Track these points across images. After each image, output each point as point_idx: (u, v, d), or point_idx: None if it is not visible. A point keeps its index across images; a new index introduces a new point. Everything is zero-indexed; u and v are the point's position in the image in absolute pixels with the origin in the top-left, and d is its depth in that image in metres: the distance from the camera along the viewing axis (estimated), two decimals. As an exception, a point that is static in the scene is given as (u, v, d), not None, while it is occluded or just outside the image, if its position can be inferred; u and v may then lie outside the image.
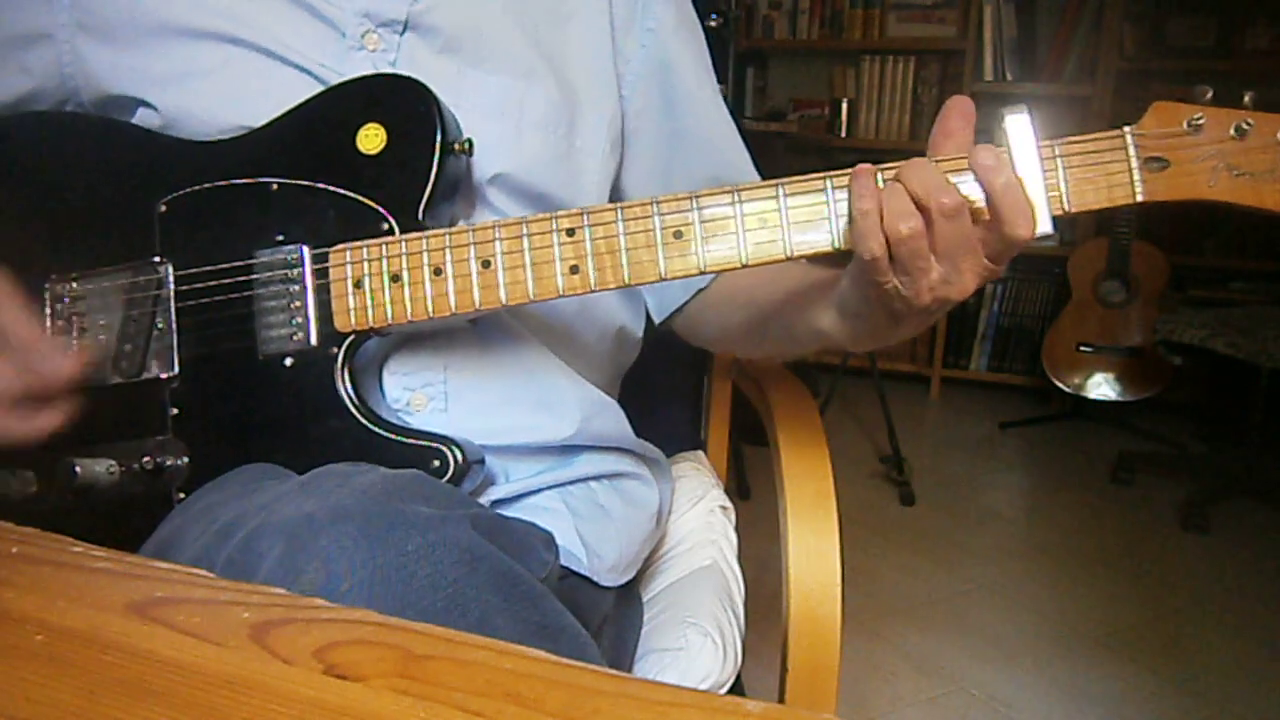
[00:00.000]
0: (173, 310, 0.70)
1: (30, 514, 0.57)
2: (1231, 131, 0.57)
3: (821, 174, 0.61)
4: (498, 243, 0.65)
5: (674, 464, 1.07)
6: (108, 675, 0.36)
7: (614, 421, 0.82)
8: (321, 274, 0.68)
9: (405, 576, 0.48)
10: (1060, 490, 2.73)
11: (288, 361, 0.68)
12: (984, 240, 0.57)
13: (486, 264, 0.65)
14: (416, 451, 0.66)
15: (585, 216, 0.64)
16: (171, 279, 0.70)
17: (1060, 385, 3.05)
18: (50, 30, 0.75)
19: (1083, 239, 3.19)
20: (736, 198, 0.62)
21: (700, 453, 1.16)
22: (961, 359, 3.53)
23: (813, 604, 0.77)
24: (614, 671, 0.36)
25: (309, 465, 0.61)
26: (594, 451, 0.80)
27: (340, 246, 0.68)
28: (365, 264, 0.67)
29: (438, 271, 0.65)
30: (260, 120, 0.71)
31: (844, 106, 3.54)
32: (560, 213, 0.64)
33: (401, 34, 0.74)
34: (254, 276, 0.69)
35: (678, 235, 0.62)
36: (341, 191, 0.69)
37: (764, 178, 0.63)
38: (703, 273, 0.63)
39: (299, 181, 0.70)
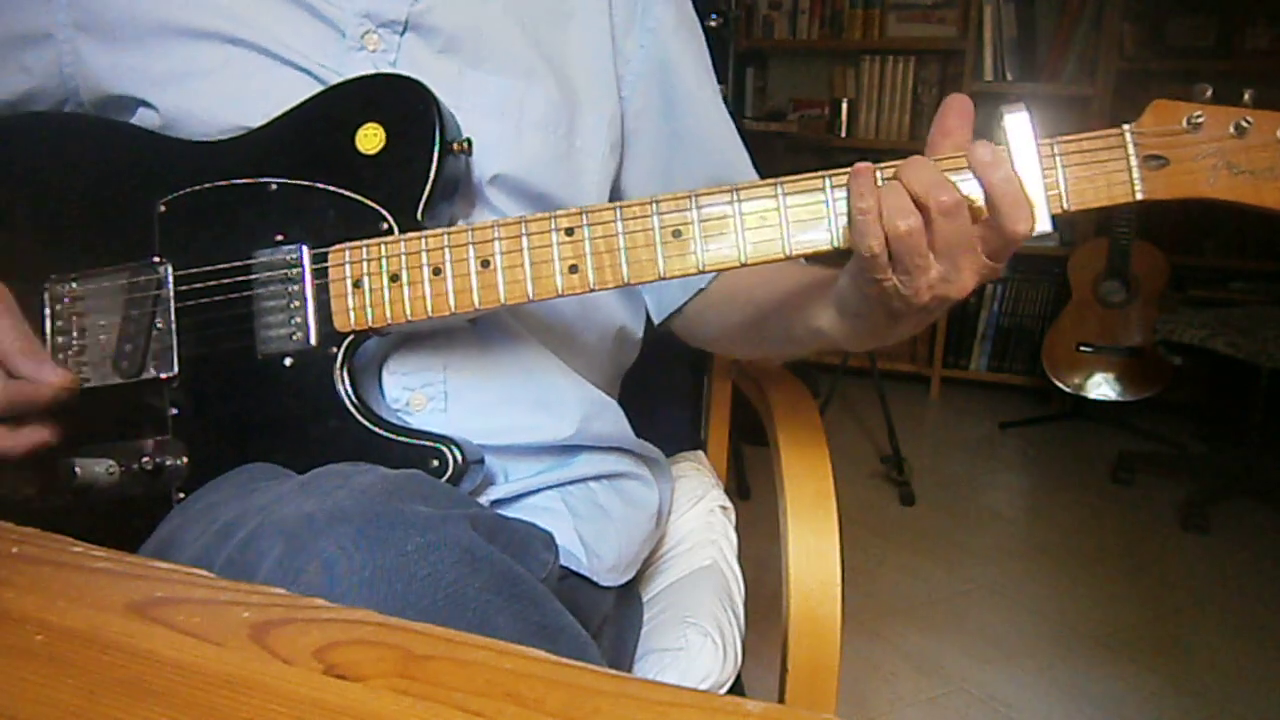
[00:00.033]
0: (172, 310, 0.70)
1: (30, 514, 0.57)
2: (1231, 129, 0.57)
3: (820, 173, 0.61)
4: (497, 242, 0.65)
5: (674, 464, 1.07)
6: (108, 675, 0.36)
7: (613, 421, 0.82)
8: (321, 274, 0.68)
9: (405, 576, 0.48)
10: (1060, 490, 2.73)
11: (287, 361, 0.68)
12: (983, 238, 0.57)
13: (486, 264, 0.65)
14: (416, 451, 0.66)
15: (584, 216, 0.64)
16: (171, 279, 0.70)
17: (1060, 385, 3.05)
18: (50, 30, 0.75)
19: (1083, 239, 3.19)
20: (735, 197, 0.61)
21: (700, 453, 1.16)
22: (961, 359, 3.53)
23: (813, 604, 0.77)
24: (614, 671, 0.36)
25: (308, 465, 0.61)
26: (593, 451, 0.80)
27: (339, 246, 0.68)
28: (364, 264, 0.67)
29: (437, 271, 0.65)
30: (260, 120, 0.71)
31: (844, 106, 3.54)
32: (559, 212, 0.64)
33: (402, 34, 0.74)
34: (253, 276, 0.69)
35: (677, 234, 0.62)
36: (341, 191, 0.69)
37: (763, 178, 0.63)
38: (702, 272, 0.63)
39: (298, 181, 0.70)
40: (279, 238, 0.69)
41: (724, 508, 1.02)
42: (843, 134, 3.54)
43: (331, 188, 0.69)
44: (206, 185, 0.71)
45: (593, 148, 0.81)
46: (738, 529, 1.01)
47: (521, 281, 0.64)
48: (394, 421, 0.69)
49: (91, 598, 0.42)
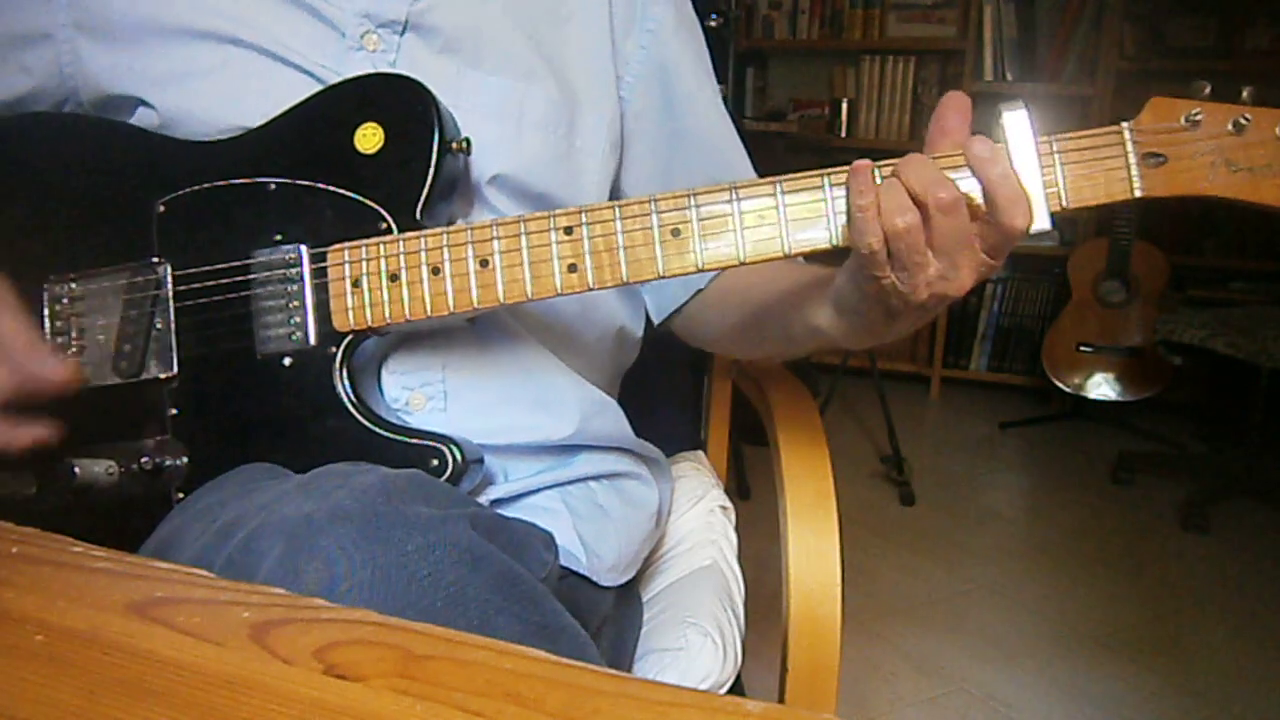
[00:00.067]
0: (171, 310, 0.70)
1: (30, 514, 0.57)
2: (1229, 126, 0.57)
3: (819, 171, 0.61)
4: (495, 241, 0.65)
5: (674, 464, 1.07)
6: (108, 675, 0.36)
7: (613, 421, 0.82)
8: (320, 274, 0.68)
9: (405, 576, 0.48)
10: (1060, 490, 2.73)
11: (286, 361, 0.68)
12: (981, 234, 0.57)
13: (484, 263, 0.65)
14: (415, 450, 0.66)
15: (583, 215, 0.64)
16: (170, 279, 0.70)
17: (1060, 385, 3.05)
18: (50, 30, 0.75)
19: (1083, 239, 3.19)
20: (734, 195, 0.61)
21: (700, 453, 1.16)
22: (961, 359, 3.53)
23: (813, 604, 0.77)
24: (614, 671, 0.36)
25: (308, 465, 0.61)
26: (593, 451, 0.80)
27: (338, 246, 0.68)
28: (363, 263, 0.67)
29: (436, 271, 0.65)
30: (259, 120, 0.71)
31: (844, 106, 3.54)
32: (558, 211, 0.64)
33: (401, 34, 0.74)
34: (252, 276, 0.69)
35: (676, 233, 0.62)
36: (339, 191, 0.69)
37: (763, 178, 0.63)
38: (701, 270, 0.63)
39: (297, 181, 0.70)
40: (278, 237, 0.69)
41: (724, 508, 1.02)
42: (843, 134, 3.55)
43: (330, 187, 0.69)
44: (205, 185, 0.71)
45: (592, 148, 0.81)
46: (738, 529, 1.01)
47: (520, 281, 0.64)
48: (393, 421, 0.69)
49: (91, 598, 0.42)
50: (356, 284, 0.67)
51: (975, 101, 0.59)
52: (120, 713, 0.34)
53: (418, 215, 0.68)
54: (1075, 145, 0.58)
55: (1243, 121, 0.57)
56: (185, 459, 0.69)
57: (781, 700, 0.77)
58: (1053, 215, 0.57)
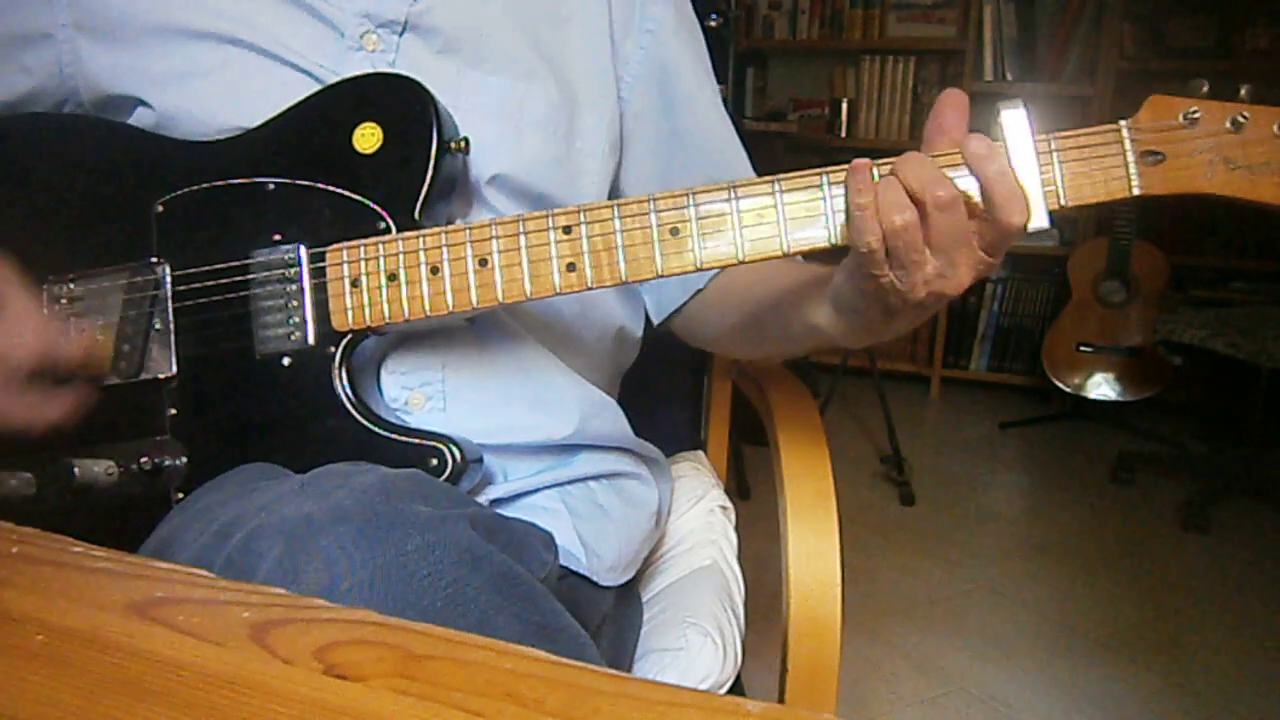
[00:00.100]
0: (170, 311, 0.70)
1: (30, 514, 0.57)
2: (1228, 124, 0.57)
3: (817, 170, 0.61)
4: (494, 241, 0.65)
5: (674, 464, 1.07)
6: (108, 675, 0.36)
7: (613, 421, 0.82)
8: (318, 273, 0.68)
9: (405, 576, 0.48)
10: (1060, 490, 2.73)
11: (285, 361, 0.68)
12: (979, 232, 0.57)
13: (483, 262, 0.65)
14: (415, 450, 0.66)
15: (582, 214, 0.64)
16: (169, 279, 0.70)
17: (1060, 385, 3.05)
18: (50, 30, 0.75)
19: (1083, 239, 3.19)
20: (733, 194, 0.61)
21: (700, 453, 1.16)
22: (961, 359, 3.53)
23: (813, 604, 0.77)
24: (614, 671, 0.36)
25: (307, 465, 0.61)
26: (593, 451, 0.80)
27: (337, 246, 0.68)
28: (362, 263, 0.67)
29: (435, 270, 0.65)
30: (258, 120, 0.71)
31: (844, 106, 3.54)
32: (557, 210, 0.64)
33: (401, 34, 0.74)
34: (251, 276, 0.69)
35: (674, 232, 0.62)
36: (338, 191, 0.69)
37: (762, 177, 0.63)
38: (700, 269, 0.63)
39: (296, 181, 0.70)
40: (276, 237, 0.69)
41: (724, 508, 1.02)
42: (843, 134, 3.55)
43: (329, 187, 0.69)
44: (204, 185, 0.71)
45: (592, 148, 0.81)
46: (738, 529, 1.01)
47: (519, 280, 0.64)
48: (393, 421, 0.69)
49: (91, 598, 0.42)
50: (355, 284, 0.67)
51: (975, 101, 0.59)
52: (120, 713, 0.34)
53: (416, 215, 0.68)
54: (1073, 144, 0.58)
55: (1241, 119, 0.57)
56: (184, 459, 0.69)
57: (781, 700, 0.77)
58: (1051, 213, 0.57)
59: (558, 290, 0.64)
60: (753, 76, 3.60)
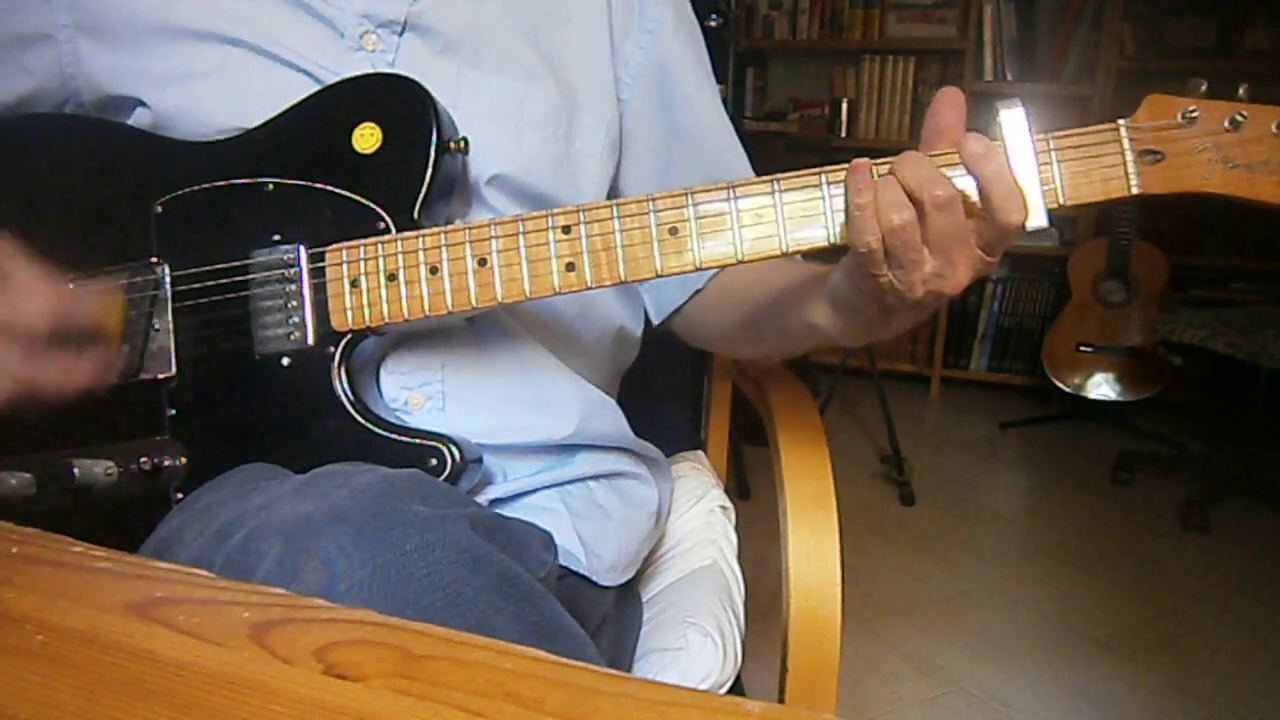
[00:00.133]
0: (170, 311, 0.70)
1: (30, 514, 0.57)
2: (1226, 123, 0.57)
3: (816, 170, 0.61)
4: (494, 241, 0.65)
5: (674, 464, 1.07)
6: (108, 675, 0.36)
7: (612, 421, 0.82)
8: (318, 274, 0.68)
9: (404, 576, 0.48)
10: (1060, 490, 2.73)
11: (285, 361, 0.68)
12: (977, 231, 0.57)
13: (483, 262, 0.65)
14: (414, 450, 0.66)
15: (581, 214, 0.64)
16: (168, 280, 0.70)
17: (1060, 385, 3.05)
18: (50, 30, 0.75)
19: (1083, 239, 3.19)
20: (732, 194, 0.61)
21: (700, 453, 1.16)
22: (961, 359, 3.53)
23: (813, 604, 0.77)
24: (614, 671, 0.36)
25: (307, 465, 0.61)
26: (592, 451, 0.80)
27: (336, 246, 0.68)
28: (361, 263, 0.67)
29: (434, 270, 0.65)
30: (258, 121, 0.71)
31: (844, 106, 3.54)
32: (556, 210, 0.64)
33: (400, 35, 0.74)
34: (250, 277, 0.69)
35: (673, 232, 0.62)
36: (337, 191, 0.69)
37: (762, 178, 0.63)
38: (699, 269, 0.63)
39: (295, 181, 0.70)
40: (276, 238, 0.69)
41: (724, 508, 1.02)
42: (843, 134, 3.55)
43: (328, 187, 0.69)
44: (203, 186, 0.71)
45: (591, 149, 0.81)
46: (738, 529, 1.01)
47: (518, 280, 0.64)
48: (392, 421, 0.69)
49: (91, 598, 0.42)
50: (355, 284, 0.67)
51: (975, 101, 0.59)
52: (120, 713, 0.34)
53: (416, 215, 0.68)
54: (1072, 143, 0.58)
55: (1239, 118, 0.57)
56: (184, 459, 0.69)
57: (781, 700, 0.77)
58: (1050, 212, 0.57)
59: (557, 290, 0.64)
60: (753, 76, 3.60)
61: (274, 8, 0.73)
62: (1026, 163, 0.57)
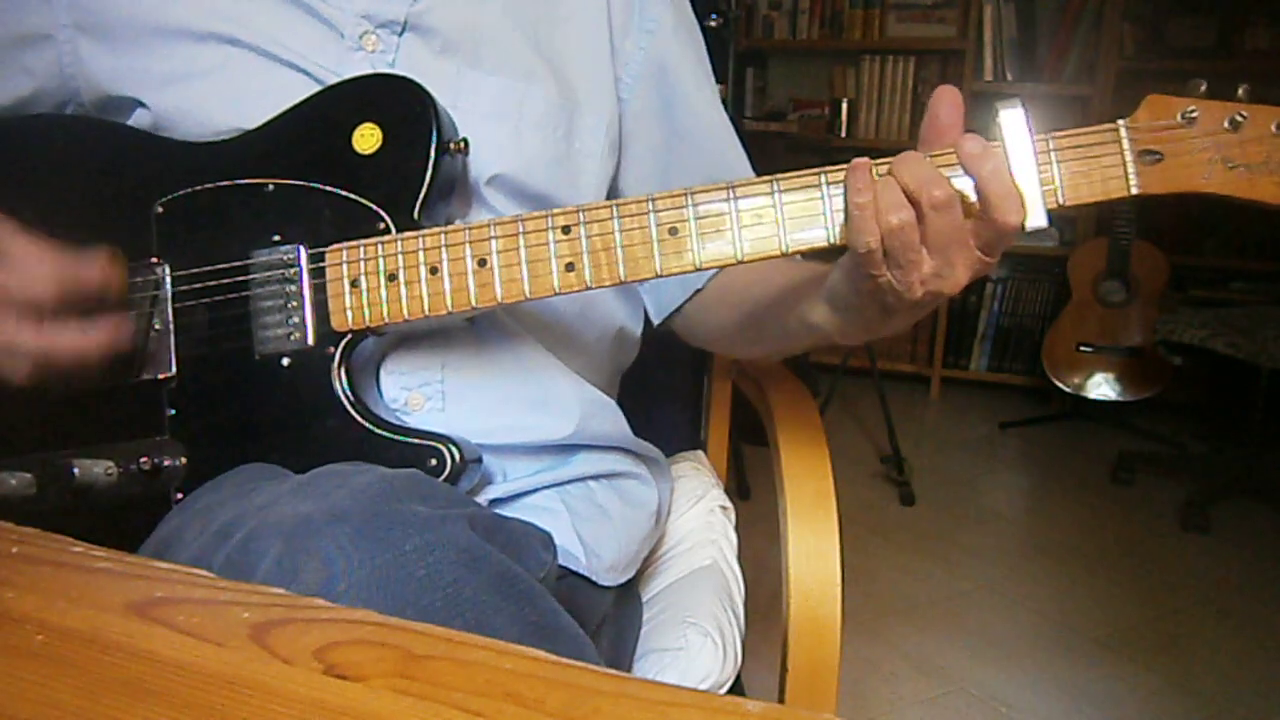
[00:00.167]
0: (170, 311, 0.70)
1: (30, 514, 0.57)
2: (1225, 124, 0.57)
3: (816, 170, 0.61)
4: (493, 241, 0.65)
5: (674, 464, 1.07)
6: (108, 675, 0.36)
7: (612, 421, 0.82)
8: (318, 274, 0.68)
9: (403, 576, 0.48)
10: (1060, 490, 2.73)
11: (285, 361, 0.68)
12: (975, 231, 0.57)
13: (482, 262, 0.65)
14: (414, 450, 0.66)
15: (581, 214, 0.64)
16: (168, 280, 0.70)
17: (1060, 385, 3.05)
18: (50, 31, 0.75)
19: (1083, 239, 3.19)
20: (731, 194, 0.62)
21: (700, 453, 1.16)
22: (961, 359, 3.53)
23: (813, 604, 0.77)
24: (614, 671, 0.36)
25: (307, 465, 0.61)
26: (592, 451, 0.80)
27: (336, 246, 0.68)
28: (361, 263, 0.67)
29: (434, 270, 0.65)
30: (258, 121, 0.71)
31: (844, 106, 3.54)
32: (556, 210, 0.64)
33: (400, 35, 0.74)
34: (250, 277, 0.69)
35: (673, 232, 0.62)
36: (337, 191, 0.69)
37: (762, 178, 0.63)
38: (699, 269, 0.63)
39: (295, 182, 0.70)
40: (276, 238, 0.69)
41: (724, 508, 1.02)
42: (843, 134, 3.55)
43: (328, 188, 0.69)
44: (204, 186, 0.71)
45: (591, 149, 0.81)
46: (738, 529, 1.01)
47: (518, 280, 0.64)
48: (392, 421, 0.69)
49: (91, 598, 0.42)
50: (355, 284, 0.67)
51: (975, 101, 0.59)
52: (120, 713, 0.34)
53: (416, 215, 0.68)
54: (1071, 143, 0.58)
55: (1239, 119, 0.57)
56: (184, 459, 0.69)
57: (781, 700, 0.77)
58: (1049, 213, 0.57)
59: (557, 290, 0.64)
60: (753, 76, 3.60)
61: (274, 8, 0.74)
62: (1026, 163, 0.57)
